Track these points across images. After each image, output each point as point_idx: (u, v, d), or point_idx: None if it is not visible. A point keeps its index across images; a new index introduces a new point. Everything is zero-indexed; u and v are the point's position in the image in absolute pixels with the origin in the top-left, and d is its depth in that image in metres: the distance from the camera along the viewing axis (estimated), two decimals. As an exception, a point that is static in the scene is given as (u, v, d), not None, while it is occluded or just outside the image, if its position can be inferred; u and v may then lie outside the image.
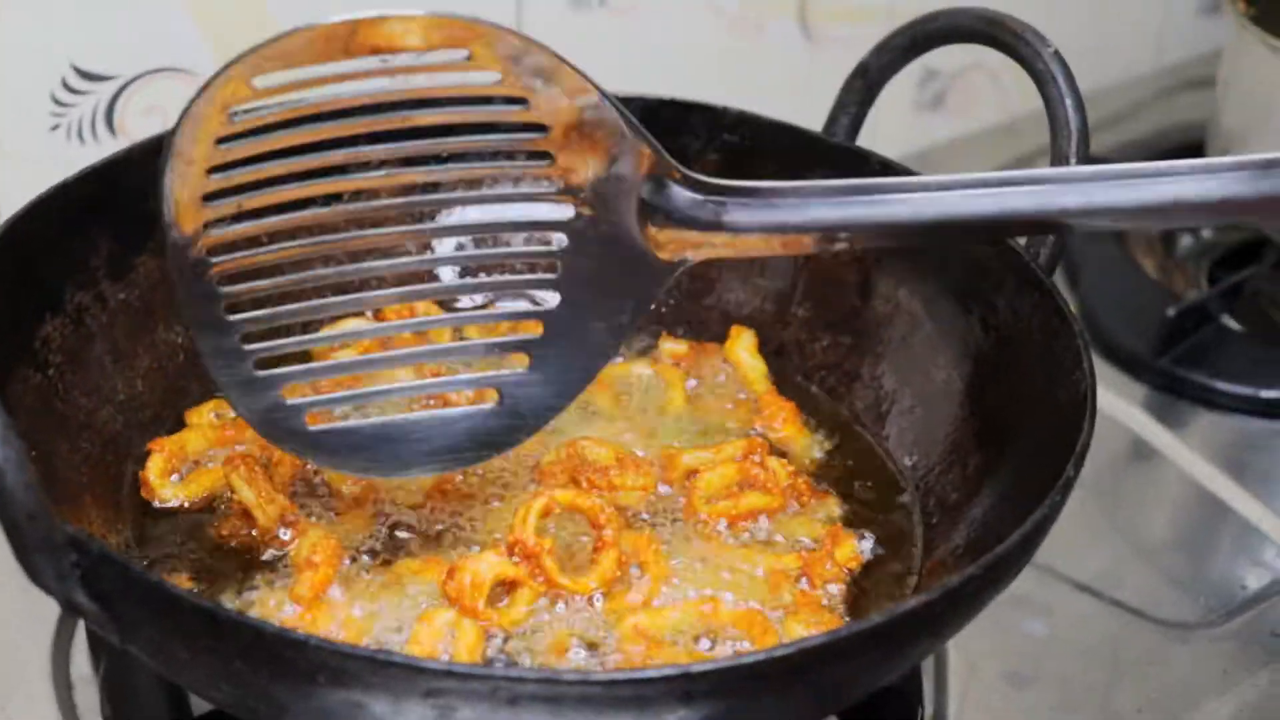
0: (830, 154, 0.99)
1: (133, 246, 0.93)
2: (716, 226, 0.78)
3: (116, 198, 0.92)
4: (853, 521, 0.89)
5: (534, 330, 0.80)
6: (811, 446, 0.95)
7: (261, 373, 0.78)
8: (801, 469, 0.92)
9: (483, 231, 0.81)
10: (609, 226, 0.78)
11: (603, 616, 0.80)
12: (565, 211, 0.78)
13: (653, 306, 0.82)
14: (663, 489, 0.89)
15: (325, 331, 0.85)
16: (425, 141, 0.75)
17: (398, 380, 0.84)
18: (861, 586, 0.85)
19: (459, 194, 0.80)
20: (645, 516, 0.87)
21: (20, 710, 0.86)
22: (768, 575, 0.83)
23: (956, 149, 1.49)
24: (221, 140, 0.72)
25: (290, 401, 0.79)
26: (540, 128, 0.75)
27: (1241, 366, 1.18)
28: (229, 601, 0.81)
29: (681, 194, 0.78)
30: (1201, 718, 0.92)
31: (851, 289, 0.99)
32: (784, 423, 0.94)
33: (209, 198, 0.74)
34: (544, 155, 0.76)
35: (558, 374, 0.81)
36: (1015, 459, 0.86)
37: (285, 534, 0.84)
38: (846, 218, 0.78)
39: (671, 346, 0.99)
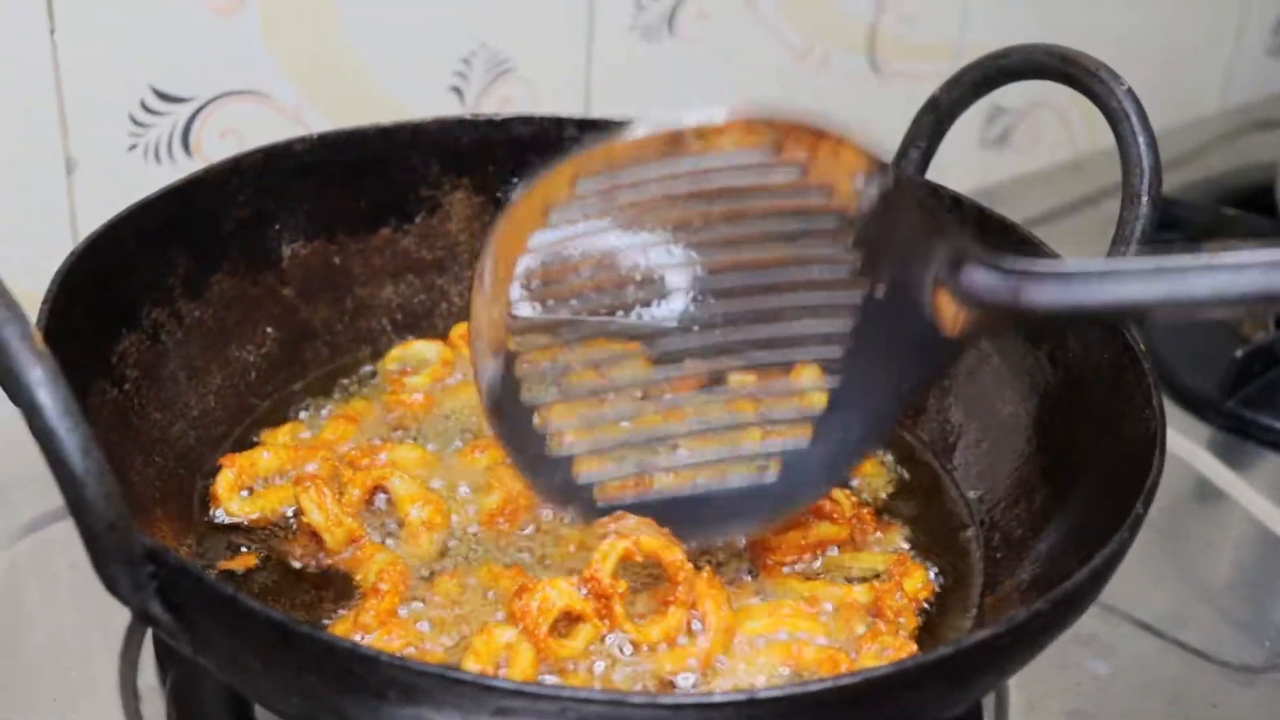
0: (900, 187, 0.99)
1: (209, 265, 0.94)
2: (1012, 306, 0.77)
3: (194, 217, 0.93)
4: (918, 553, 0.89)
5: (819, 402, 0.80)
6: (880, 477, 0.95)
7: (554, 452, 0.80)
8: (868, 499, 0.92)
9: (784, 308, 0.81)
10: (902, 304, 0.78)
11: (653, 664, 0.80)
12: (860, 290, 0.78)
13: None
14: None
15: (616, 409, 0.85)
16: (726, 229, 0.78)
17: (683, 451, 0.84)
18: (927, 619, 0.85)
19: (766, 278, 0.80)
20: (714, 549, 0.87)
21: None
22: (838, 608, 0.83)
23: (1022, 186, 1.50)
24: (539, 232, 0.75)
25: (581, 478, 0.81)
26: (841, 212, 0.76)
27: (1309, 410, 1.18)
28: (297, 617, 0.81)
29: (979, 275, 0.77)
30: (1265, 762, 0.92)
31: (919, 322, 0.99)
32: (853, 453, 0.95)
33: (518, 287, 0.76)
34: (840, 236, 0.77)
35: (839, 444, 0.81)
36: (1081, 496, 0.86)
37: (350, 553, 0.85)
38: (1143, 296, 0.75)
39: (738, 379, 0.99)
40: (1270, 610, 1.03)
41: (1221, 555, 1.08)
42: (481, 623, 0.80)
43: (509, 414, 0.79)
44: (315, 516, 0.85)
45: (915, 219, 0.76)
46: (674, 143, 0.73)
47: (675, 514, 0.82)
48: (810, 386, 0.81)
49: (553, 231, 0.75)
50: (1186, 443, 1.15)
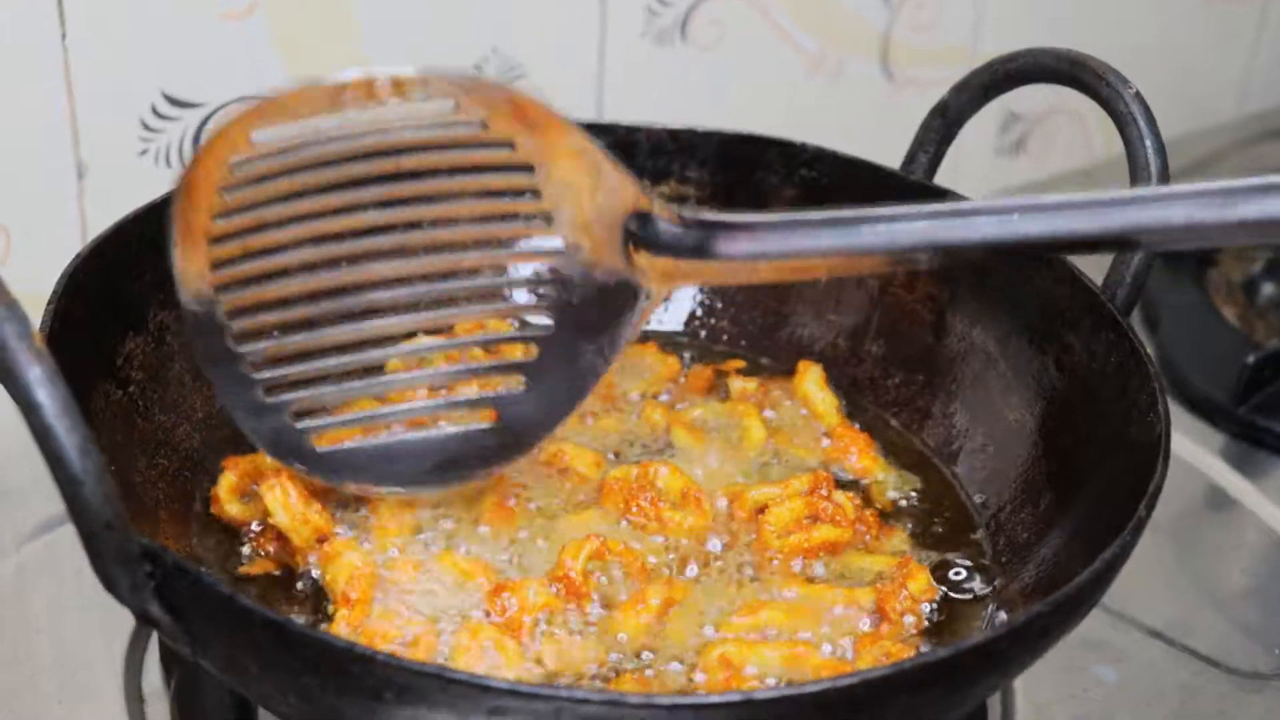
0: (908, 191, 1.00)
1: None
2: (702, 255, 0.81)
3: (201, 220, 0.93)
4: (922, 556, 0.89)
5: (529, 353, 0.84)
6: (887, 480, 0.94)
7: (269, 398, 0.82)
8: (875, 503, 0.92)
9: (477, 264, 0.84)
10: (596, 257, 0.82)
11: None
12: (554, 244, 0.82)
13: (639, 331, 0.85)
14: (733, 527, 0.89)
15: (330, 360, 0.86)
16: (416, 183, 0.80)
17: (399, 402, 0.87)
18: (930, 621, 0.84)
19: (451, 233, 0.83)
20: (715, 549, 0.87)
21: (92, 722, 0.87)
22: (841, 610, 0.83)
23: (1037, 192, 1.49)
24: (226, 189, 0.77)
25: (297, 425, 0.83)
26: (527, 168, 0.80)
27: (1321, 417, 1.17)
28: (297, 615, 0.82)
29: (665, 228, 0.81)
30: (1273, 769, 0.91)
31: (926, 327, 0.99)
32: (859, 455, 0.94)
33: (214, 240, 0.78)
34: (531, 193, 0.80)
35: (551, 394, 0.85)
36: (1087, 500, 0.86)
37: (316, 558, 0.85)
38: (819, 245, 0.80)
39: (740, 384, 1.00)
40: (1280, 618, 1.03)
41: (1232, 562, 1.08)
42: (461, 616, 0.81)
43: (220, 361, 0.81)
44: (280, 517, 0.84)
45: (604, 174, 0.79)
46: (353, 94, 0.75)
47: (396, 463, 0.85)
48: (522, 336, 0.85)
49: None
50: (1198, 449, 1.14)
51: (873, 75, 1.37)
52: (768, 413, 0.97)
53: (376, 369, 0.86)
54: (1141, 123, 0.90)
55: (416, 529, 0.86)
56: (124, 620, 0.90)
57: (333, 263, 0.81)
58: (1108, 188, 0.79)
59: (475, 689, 0.64)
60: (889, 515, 0.92)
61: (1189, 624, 1.00)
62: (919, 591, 0.84)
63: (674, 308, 1.04)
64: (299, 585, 0.84)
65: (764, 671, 0.79)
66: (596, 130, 1.02)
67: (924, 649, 0.82)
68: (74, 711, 0.88)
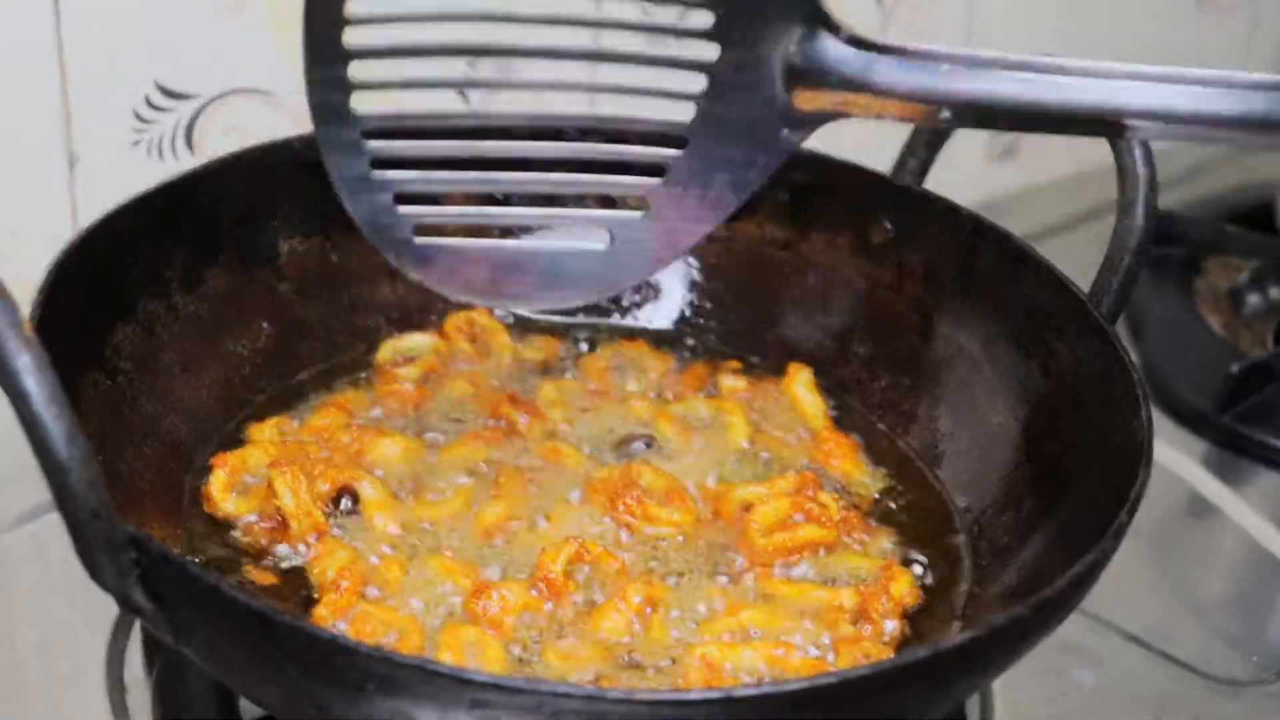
0: (897, 196, 1.00)
1: (205, 259, 0.95)
2: (864, 85, 0.74)
3: (192, 211, 0.94)
4: (904, 559, 0.89)
5: (656, 174, 0.78)
6: (868, 483, 0.95)
7: (376, 173, 0.77)
8: (859, 504, 0.93)
9: (626, 62, 0.78)
10: (753, 72, 0.75)
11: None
12: (711, 51, 0.75)
13: (780, 163, 0.77)
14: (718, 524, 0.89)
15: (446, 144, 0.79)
16: None
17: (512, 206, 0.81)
18: (911, 624, 0.85)
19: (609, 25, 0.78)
20: (699, 547, 0.88)
21: (74, 710, 0.87)
22: (823, 611, 0.83)
23: (1029, 199, 1.50)
24: None
25: (401, 209, 0.78)
26: None
27: (1304, 427, 1.18)
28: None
29: (835, 46, 0.74)
30: (1250, 775, 0.92)
31: (912, 330, 1.00)
32: (841, 459, 0.95)
33: None
34: None
35: (673, 223, 0.78)
36: (1069, 505, 0.86)
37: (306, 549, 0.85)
38: (995, 93, 0.73)
39: (731, 382, 1.00)
40: (1259, 625, 1.03)
41: (1213, 570, 1.08)
42: (446, 614, 0.81)
43: (335, 120, 0.76)
44: (287, 500, 0.85)
45: None
46: None
47: (496, 270, 0.79)
48: (652, 155, 0.78)
49: None
50: (1180, 457, 1.15)
51: (865, 79, 1.38)
52: (753, 413, 0.98)
53: (494, 165, 0.79)
54: (1129, 132, 0.90)
55: (407, 530, 0.87)
56: (107, 609, 0.90)
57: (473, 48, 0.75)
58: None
59: (457, 682, 0.64)
60: (872, 517, 0.92)
61: (1168, 630, 1.01)
62: (901, 595, 0.85)
63: (663, 307, 1.05)
64: (285, 588, 0.84)
65: (744, 671, 0.79)
66: (586, 130, 1.03)
67: (903, 651, 0.82)
68: (56, 699, 0.88)
